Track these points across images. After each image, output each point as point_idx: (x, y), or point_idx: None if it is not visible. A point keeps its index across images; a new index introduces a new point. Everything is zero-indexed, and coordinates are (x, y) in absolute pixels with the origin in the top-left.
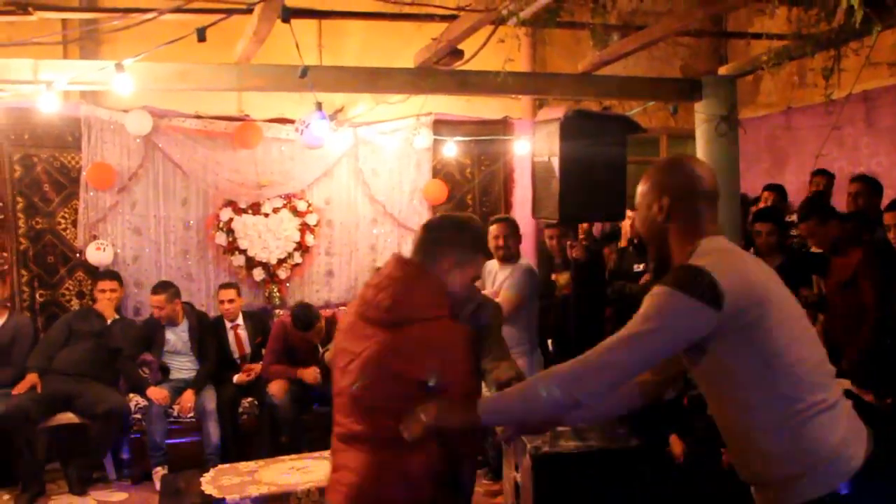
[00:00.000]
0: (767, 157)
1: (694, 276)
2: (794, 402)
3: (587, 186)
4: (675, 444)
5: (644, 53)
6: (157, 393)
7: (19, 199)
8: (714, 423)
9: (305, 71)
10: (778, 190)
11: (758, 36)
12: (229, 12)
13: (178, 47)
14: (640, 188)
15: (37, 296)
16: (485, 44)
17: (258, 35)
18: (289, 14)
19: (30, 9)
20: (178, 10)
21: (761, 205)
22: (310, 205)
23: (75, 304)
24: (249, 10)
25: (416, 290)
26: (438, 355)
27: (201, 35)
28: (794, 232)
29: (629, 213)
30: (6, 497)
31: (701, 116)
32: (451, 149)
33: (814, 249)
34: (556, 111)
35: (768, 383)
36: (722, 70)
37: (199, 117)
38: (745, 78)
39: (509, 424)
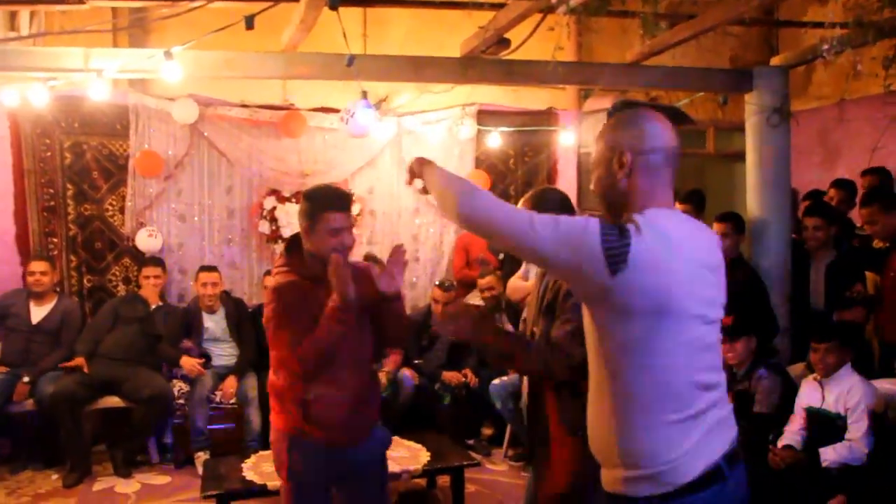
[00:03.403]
0: (819, 151)
1: (618, 231)
2: (656, 403)
3: None
4: None
5: (692, 44)
6: (189, 362)
7: (69, 185)
8: (761, 421)
9: (352, 59)
10: (846, 187)
11: (819, 25)
12: (277, 0)
13: (225, 36)
14: (597, 145)
15: (84, 281)
16: (533, 32)
17: (305, 23)
18: (337, 1)
19: None
20: None
21: (828, 200)
22: (352, 194)
23: (121, 290)
24: None
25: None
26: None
27: (249, 23)
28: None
29: (677, 205)
30: (54, 476)
31: (752, 108)
32: (495, 139)
33: (876, 245)
34: (603, 102)
35: (640, 377)
36: (775, 60)
37: (244, 106)
38: (796, 69)
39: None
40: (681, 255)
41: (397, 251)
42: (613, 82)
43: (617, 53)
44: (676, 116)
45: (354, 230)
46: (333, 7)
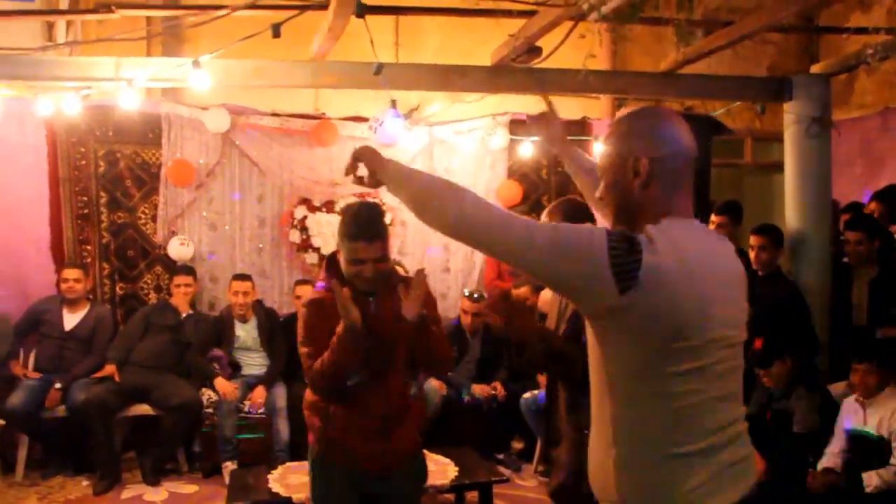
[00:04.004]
0: (861, 162)
1: (628, 243)
2: (663, 434)
3: None
4: (757, 462)
5: (728, 52)
6: (225, 386)
7: (103, 193)
8: (800, 442)
9: (380, 68)
10: (888, 199)
11: (862, 31)
12: (303, 8)
13: (257, 45)
14: (607, 145)
15: (117, 288)
16: (564, 40)
17: (333, 31)
18: (363, 10)
19: (113, 7)
20: (253, 6)
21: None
22: (383, 204)
23: (153, 298)
24: (324, 7)
25: None
26: None
27: (276, 31)
28: None
29: (713, 217)
30: (85, 483)
31: (790, 117)
32: (528, 149)
33: None
34: None
35: (646, 404)
36: (815, 68)
37: (275, 115)
38: (837, 77)
39: (399, 190)
40: (699, 271)
41: (419, 276)
42: (648, 92)
43: (653, 62)
44: (713, 126)
45: None
46: (360, 15)
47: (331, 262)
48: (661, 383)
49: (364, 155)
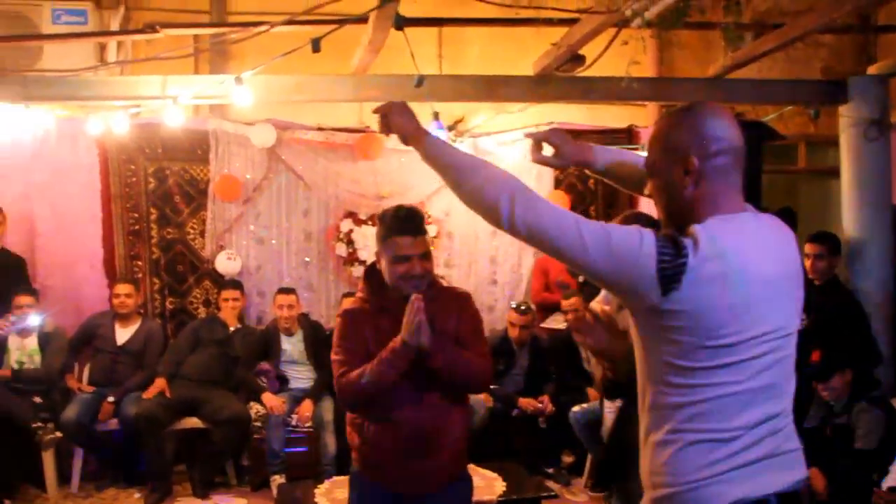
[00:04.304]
0: None
1: (674, 247)
2: (692, 417)
3: None
4: (817, 479)
5: (780, 56)
6: (272, 400)
7: (153, 210)
8: (863, 459)
9: (421, 80)
10: None
11: None
12: (342, 22)
13: (300, 61)
14: (654, 144)
15: (167, 303)
16: (607, 47)
17: (373, 45)
18: (402, 22)
19: (157, 27)
20: (292, 21)
21: None
22: (429, 216)
23: (202, 312)
24: (364, 20)
25: None
26: None
27: (315, 46)
28: None
29: None
30: (137, 495)
31: (846, 121)
32: None
33: None
34: None
35: (678, 392)
36: (872, 69)
37: (321, 129)
38: (894, 78)
39: (441, 168)
40: (743, 270)
41: (413, 302)
42: (696, 98)
43: (700, 68)
44: (764, 132)
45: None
46: (399, 28)
47: (370, 272)
48: (695, 375)
49: (393, 109)
